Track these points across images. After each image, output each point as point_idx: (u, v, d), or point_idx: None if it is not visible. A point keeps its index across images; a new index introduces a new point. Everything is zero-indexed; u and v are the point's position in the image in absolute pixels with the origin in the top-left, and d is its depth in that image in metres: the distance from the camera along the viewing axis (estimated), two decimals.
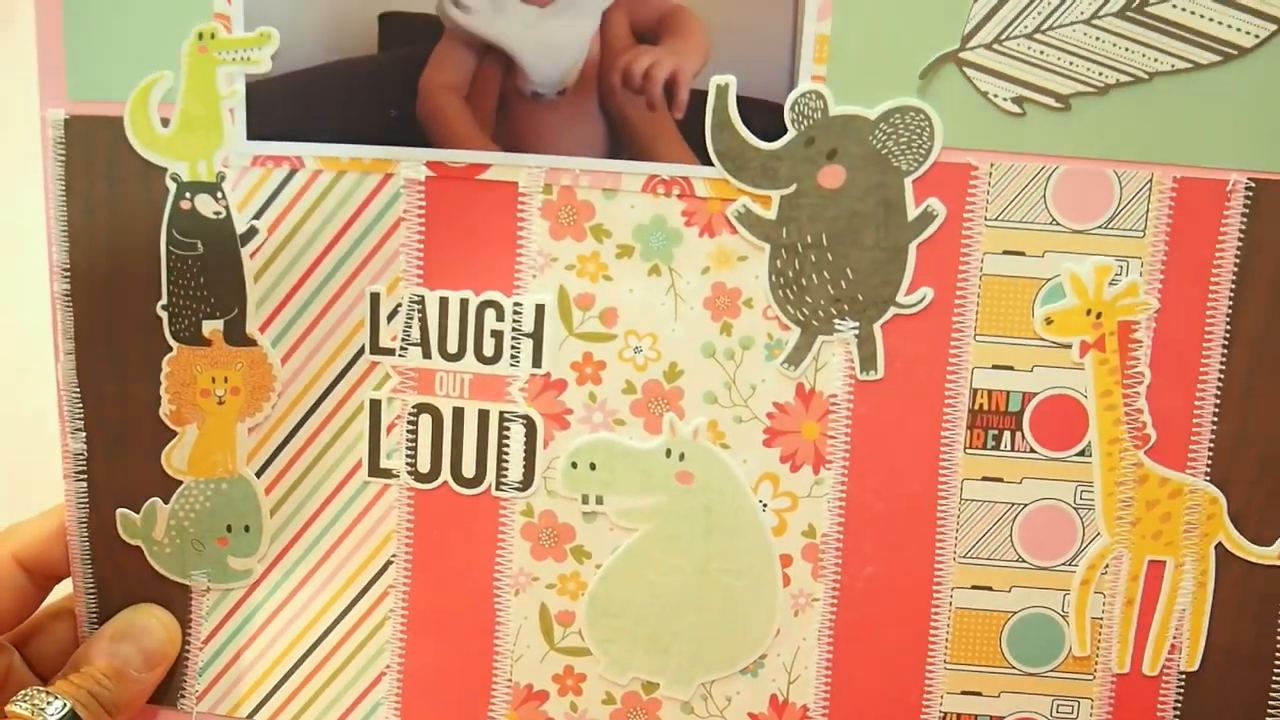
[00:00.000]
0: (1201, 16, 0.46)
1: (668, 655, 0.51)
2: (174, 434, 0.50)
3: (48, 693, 0.46)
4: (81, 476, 0.50)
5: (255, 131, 0.48)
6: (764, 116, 0.47)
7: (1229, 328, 0.48)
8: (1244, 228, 0.47)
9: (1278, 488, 0.48)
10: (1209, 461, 0.49)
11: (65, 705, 0.46)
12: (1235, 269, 0.48)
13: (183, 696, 0.52)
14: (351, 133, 0.48)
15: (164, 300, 0.49)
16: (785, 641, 0.50)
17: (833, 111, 0.47)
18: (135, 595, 0.51)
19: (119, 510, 0.51)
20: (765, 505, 0.50)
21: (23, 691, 0.46)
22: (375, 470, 0.51)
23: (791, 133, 0.47)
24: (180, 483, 0.50)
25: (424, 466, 0.51)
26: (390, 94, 0.48)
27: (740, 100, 0.47)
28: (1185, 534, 0.49)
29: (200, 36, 0.47)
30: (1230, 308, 0.48)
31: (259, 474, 0.51)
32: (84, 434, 0.50)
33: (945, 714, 0.50)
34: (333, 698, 0.52)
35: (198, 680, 0.52)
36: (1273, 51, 0.46)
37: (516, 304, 0.49)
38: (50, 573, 0.51)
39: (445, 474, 0.51)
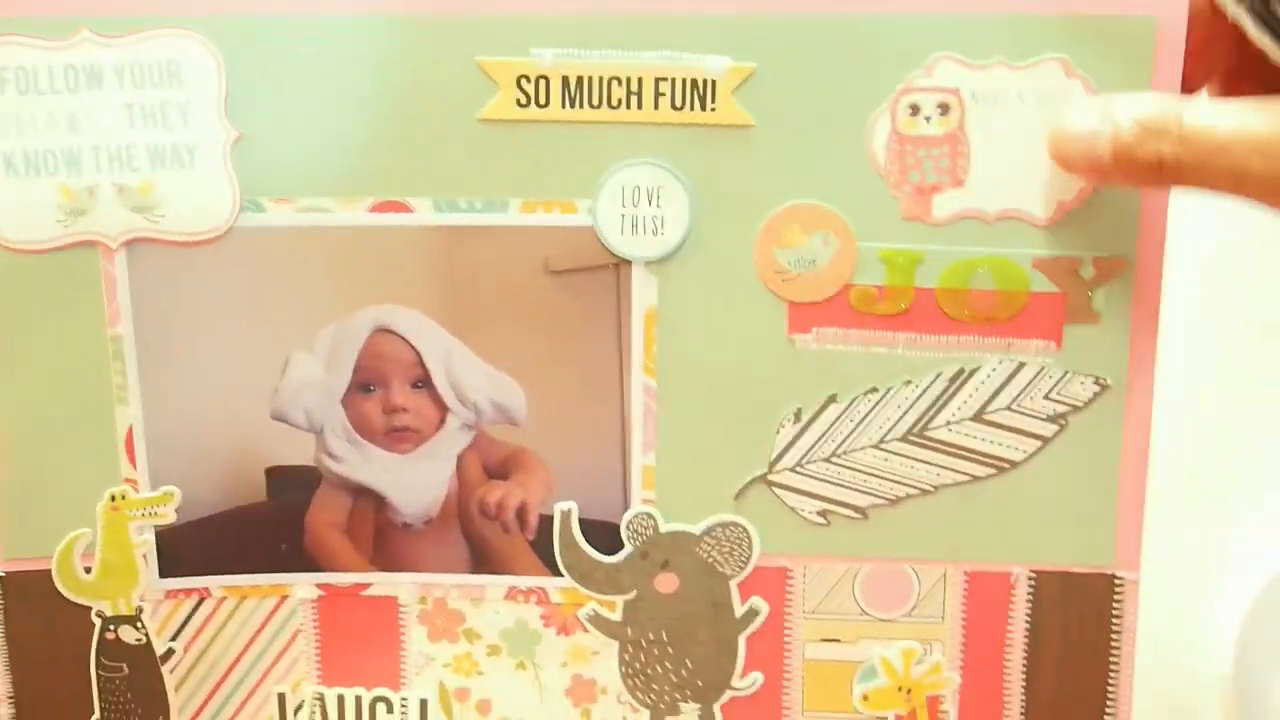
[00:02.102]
0: (974, 438, 0.53)
1: None
2: None
3: None
4: None
5: (166, 570, 0.55)
6: (604, 535, 0.54)
7: (1024, 697, 0.54)
8: (1030, 611, 0.54)
9: None
10: None
11: None
12: (1026, 645, 0.54)
13: None
14: (250, 565, 0.56)
15: (96, 715, 0.56)
16: None
17: (663, 529, 0.54)
18: None
19: None
20: None
21: None
22: None
23: (628, 548, 0.54)
24: None
25: None
26: (281, 533, 0.55)
27: (582, 522, 0.54)
28: None
29: (113, 498, 0.54)
30: (1024, 679, 0.54)
31: None
32: None
33: None
34: None
35: None
36: (1039, 463, 0.53)
37: (403, 698, 0.57)
38: None
39: None
